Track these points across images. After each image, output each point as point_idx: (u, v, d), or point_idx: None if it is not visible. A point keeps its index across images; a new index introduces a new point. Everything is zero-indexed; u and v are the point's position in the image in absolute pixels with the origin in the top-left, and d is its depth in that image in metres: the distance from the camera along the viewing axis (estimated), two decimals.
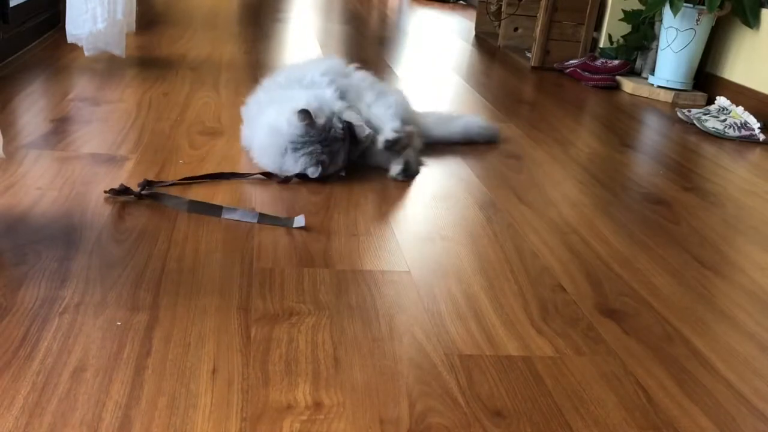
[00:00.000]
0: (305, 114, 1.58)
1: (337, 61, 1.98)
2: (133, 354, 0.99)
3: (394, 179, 1.74)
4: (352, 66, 1.99)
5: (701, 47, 2.94)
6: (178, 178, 1.63)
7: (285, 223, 1.44)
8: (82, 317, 1.06)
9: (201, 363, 0.99)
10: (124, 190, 1.48)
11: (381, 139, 1.73)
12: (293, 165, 1.64)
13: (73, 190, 1.52)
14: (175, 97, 2.32)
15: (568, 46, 3.43)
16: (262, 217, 1.45)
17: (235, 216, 1.45)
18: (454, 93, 2.80)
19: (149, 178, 1.57)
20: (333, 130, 1.61)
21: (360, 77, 1.92)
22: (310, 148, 1.62)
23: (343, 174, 1.71)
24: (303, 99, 1.67)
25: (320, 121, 1.61)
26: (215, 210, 1.46)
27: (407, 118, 1.86)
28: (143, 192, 1.49)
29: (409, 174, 1.77)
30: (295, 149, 1.63)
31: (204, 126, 2.04)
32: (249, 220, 1.44)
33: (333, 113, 1.65)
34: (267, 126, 1.68)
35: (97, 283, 1.16)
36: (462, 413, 0.94)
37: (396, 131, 1.73)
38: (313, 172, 1.63)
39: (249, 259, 1.29)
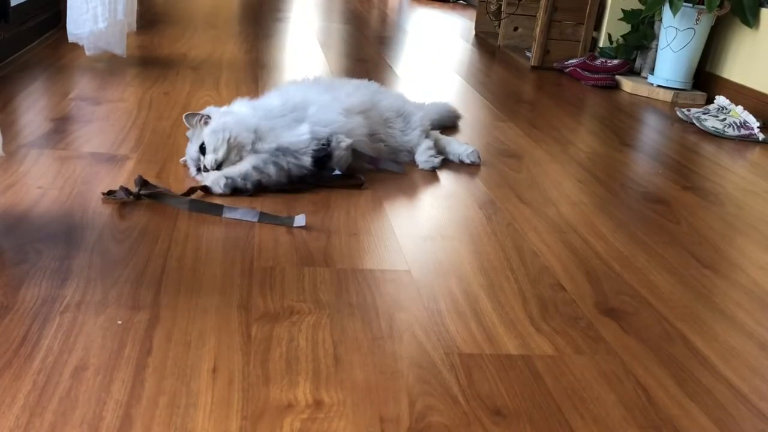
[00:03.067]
0: (191, 114, 1.66)
1: (366, 91, 1.93)
2: (134, 353, 0.99)
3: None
4: (383, 89, 2.00)
5: (700, 47, 2.94)
6: (179, 177, 1.63)
7: (285, 222, 1.45)
8: (83, 316, 1.07)
9: (202, 362, 0.99)
10: (122, 192, 1.47)
11: (427, 167, 1.85)
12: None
13: (74, 189, 1.52)
14: (175, 96, 2.32)
15: (567, 45, 3.44)
16: (263, 216, 1.45)
17: (236, 215, 1.45)
18: (454, 92, 2.80)
19: (147, 178, 1.57)
20: (194, 142, 1.64)
21: (386, 107, 1.90)
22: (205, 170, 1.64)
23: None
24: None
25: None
26: (216, 209, 1.46)
27: (429, 127, 1.97)
28: (141, 192, 1.49)
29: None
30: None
31: None
32: (250, 219, 1.44)
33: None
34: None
35: (98, 282, 1.17)
36: (462, 412, 0.94)
37: (434, 155, 1.86)
38: (216, 190, 1.59)
39: (249, 258, 1.29)
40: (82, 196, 1.49)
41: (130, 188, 1.49)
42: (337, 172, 1.69)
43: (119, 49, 2.61)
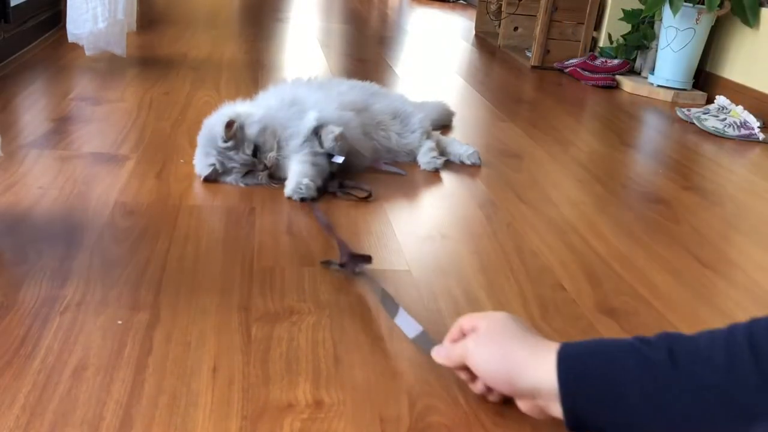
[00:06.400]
0: (228, 121, 1.57)
1: (360, 92, 1.93)
2: (134, 353, 1.00)
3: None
4: (382, 91, 1.99)
5: (701, 46, 2.94)
6: (179, 177, 1.64)
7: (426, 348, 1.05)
8: (83, 316, 1.07)
9: (202, 362, 0.99)
10: (340, 265, 1.28)
11: (430, 168, 1.84)
12: (196, 160, 1.66)
13: (75, 190, 1.52)
14: (175, 96, 2.32)
15: (568, 45, 3.44)
16: (419, 338, 1.09)
17: (403, 323, 1.12)
18: (454, 92, 2.80)
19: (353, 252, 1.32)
20: (243, 148, 1.59)
21: (380, 109, 1.88)
22: (206, 150, 1.62)
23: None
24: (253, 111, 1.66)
25: (232, 138, 1.58)
26: (393, 308, 1.15)
27: (430, 128, 1.96)
28: (357, 271, 1.27)
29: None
30: (200, 146, 1.65)
31: None
32: (408, 332, 1.11)
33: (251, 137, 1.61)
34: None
35: (98, 282, 1.17)
36: (462, 412, 0.94)
37: (436, 157, 1.85)
38: (203, 172, 1.62)
39: (249, 258, 1.29)
40: (83, 196, 1.49)
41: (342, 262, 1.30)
42: (337, 159, 1.67)
43: (119, 49, 2.61)
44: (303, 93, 1.78)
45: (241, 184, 1.62)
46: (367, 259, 1.29)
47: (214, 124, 1.62)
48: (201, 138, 1.65)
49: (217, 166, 1.60)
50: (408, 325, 1.11)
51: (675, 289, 1.35)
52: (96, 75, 2.48)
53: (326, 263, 1.30)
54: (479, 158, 1.91)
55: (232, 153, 1.59)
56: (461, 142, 1.96)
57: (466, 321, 0.96)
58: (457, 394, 0.98)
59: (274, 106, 1.71)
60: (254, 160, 1.60)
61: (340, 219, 1.51)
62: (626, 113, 2.73)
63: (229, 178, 1.63)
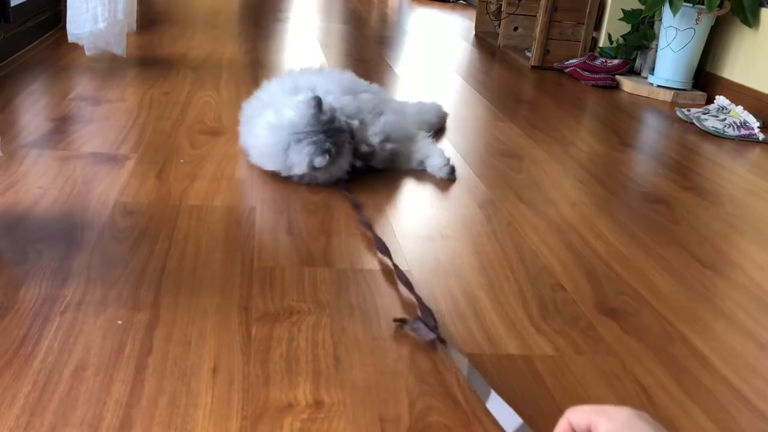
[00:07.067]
0: (316, 100, 1.58)
1: (348, 77, 1.93)
2: (134, 353, 1.00)
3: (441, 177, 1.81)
4: (364, 83, 1.98)
5: (701, 46, 2.94)
6: (178, 177, 1.63)
7: None
8: (83, 316, 1.07)
9: (202, 362, 0.99)
10: (413, 329, 1.12)
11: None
12: (298, 157, 1.60)
13: (74, 189, 1.52)
14: (175, 96, 2.32)
15: (567, 45, 3.44)
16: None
17: (497, 411, 0.96)
18: (454, 92, 2.80)
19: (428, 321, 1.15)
20: (338, 120, 1.62)
21: (366, 99, 1.84)
22: (315, 138, 1.58)
23: (345, 179, 1.68)
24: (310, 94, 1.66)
25: (326, 113, 1.61)
26: (485, 390, 1.00)
27: (400, 134, 1.83)
28: (438, 338, 1.10)
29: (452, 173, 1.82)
30: (299, 140, 1.59)
31: (205, 125, 2.04)
32: (505, 425, 0.94)
33: (335, 110, 1.66)
34: (267, 124, 1.65)
35: (98, 282, 1.17)
36: (462, 412, 0.94)
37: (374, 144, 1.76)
38: (320, 162, 1.57)
39: (249, 258, 1.29)
40: (82, 196, 1.49)
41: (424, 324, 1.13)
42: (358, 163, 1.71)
43: (119, 49, 2.61)
44: (309, 78, 1.81)
45: (346, 168, 1.65)
46: (434, 323, 1.12)
47: (290, 116, 1.60)
48: (284, 134, 1.60)
49: (332, 148, 1.59)
50: (504, 414, 0.95)
51: (675, 288, 1.35)
52: (96, 75, 2.48)
53: (400, 322, 1.13)
54: (453, 173, 1.80)
55: (335, 125, 1.61)
56: (443, 152, 1.83)
57: (577, 417, 0.76)
58: (457, 394, 0.98)
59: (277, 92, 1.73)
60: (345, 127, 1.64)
61: (340, 219, 1.51)
62: (626, 113, 2.73)
63: (342, 162, 1.64)
